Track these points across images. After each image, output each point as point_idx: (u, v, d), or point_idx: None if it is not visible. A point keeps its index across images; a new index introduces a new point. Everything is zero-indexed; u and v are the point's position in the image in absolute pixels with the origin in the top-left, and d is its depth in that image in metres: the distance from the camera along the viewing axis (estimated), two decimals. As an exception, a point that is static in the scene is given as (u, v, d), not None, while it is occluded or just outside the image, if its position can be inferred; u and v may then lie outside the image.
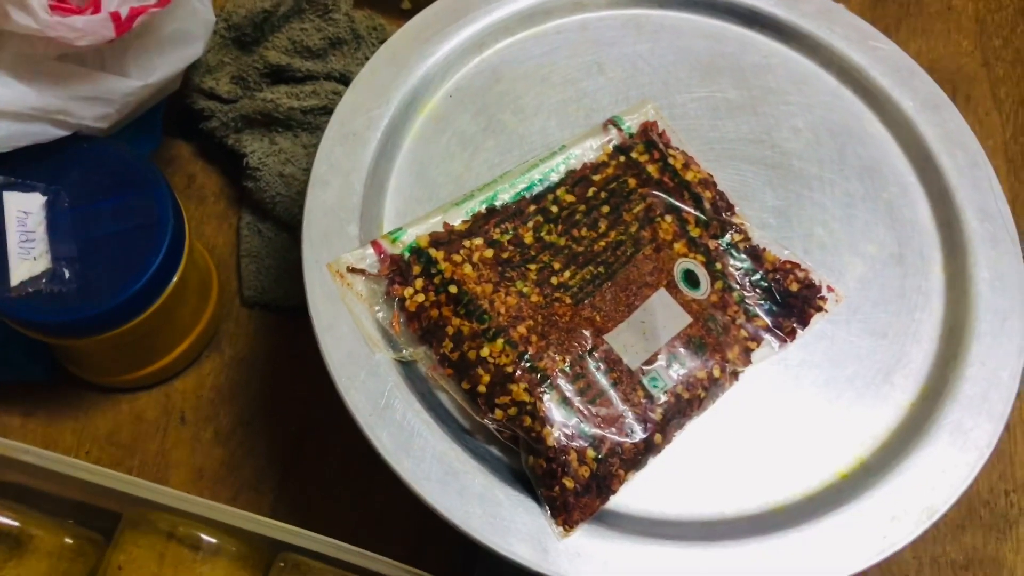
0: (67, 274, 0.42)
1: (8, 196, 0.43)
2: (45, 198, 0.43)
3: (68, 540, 0.41)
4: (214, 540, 0.40)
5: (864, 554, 0.36)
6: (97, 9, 0.40)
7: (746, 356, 0.39)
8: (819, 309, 0.41)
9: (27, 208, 0.43)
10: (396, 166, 0.43)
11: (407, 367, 0.39)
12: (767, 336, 0.40)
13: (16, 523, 0.39)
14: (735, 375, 0.39)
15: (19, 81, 0.41)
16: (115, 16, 0.40)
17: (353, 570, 0.39)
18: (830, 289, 0.41)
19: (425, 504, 0.36)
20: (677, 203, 0.41)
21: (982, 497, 0.50)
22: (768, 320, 0.40)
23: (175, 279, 0.44)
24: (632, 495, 0.37)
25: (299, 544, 0.39)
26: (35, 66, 0.41)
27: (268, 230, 0.53)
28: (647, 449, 0.37)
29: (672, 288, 0.39)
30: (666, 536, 0.36)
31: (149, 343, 0.47)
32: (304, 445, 0.49)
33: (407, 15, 0.49)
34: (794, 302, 0.41)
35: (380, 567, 0.39)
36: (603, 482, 0.36)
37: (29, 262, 0.42)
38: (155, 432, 0.49)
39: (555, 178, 0.42)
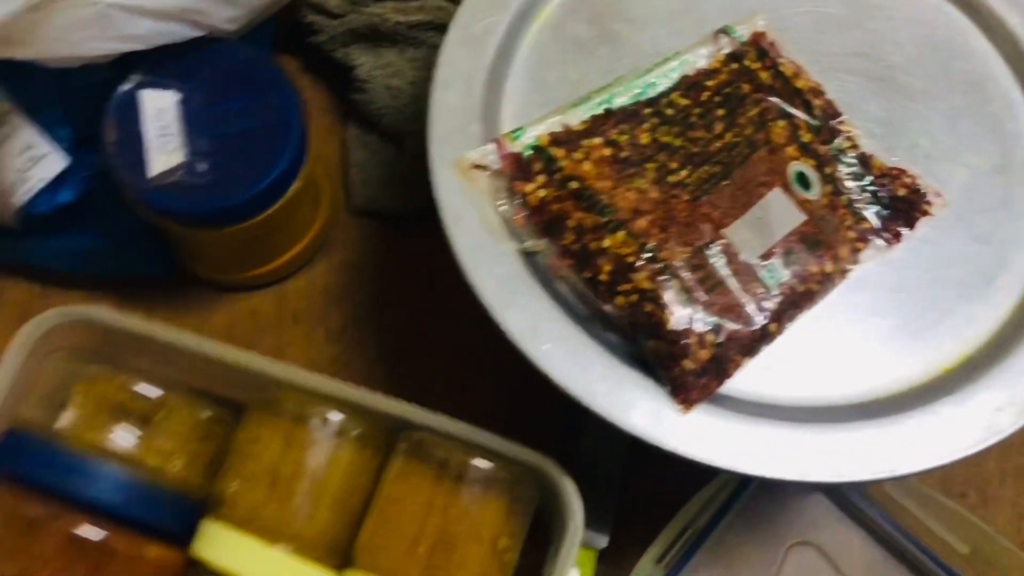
0: (201, 167, 0.44)
1: (146, 93, 0.45)
2: (180, 96, 0.45)
3: (206, 413, 0.43)
4: (339, 418, 0.43)
5: (968, 441, 0.38)
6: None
7: (854, 255, 0.41)
8: (925, 213, 0.42)
9: (163, 105, 0.45)
10: (513, 71, 0.45)
11: (529, 258, 0.41)
12: (874, 238, 0.41)
13: (160, 392, 0.42)
14: (844, 272, 0.41)
15: (160, -19, 0.43)
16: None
17: (473, 449, 0.41)
18: (936, 194, 0.42)
19: (551, 383, 0.38)
20: (789, 109, 0.42)
21: (1066, 413, 0.51)
22: (875, 223, 0.42)
23: (299, 177, 0.46)
24: (746, 380, 0.39)
25: (424, 422, 0.42)
26: (175, -33, 0.43)
27: (374, 142, 0.55)
28: (762, 337, 0.39)
29: (786, 188, 0.41)
30: (777, 418, 0.38)
31: (268, 242, 0.50)
32: (409, 344, 0.52)
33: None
34: (901, 206, 0.42)
35: (500, 446, 0.41)
36: (720, 365, 0.38)
37: (166, 155, 0.44)
38: (270, 329, 0.52)
39: (668, 83, 0.43)
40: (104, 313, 0.44)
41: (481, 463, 0.41)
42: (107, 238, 0.50)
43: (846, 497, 0.48)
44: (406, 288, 0.53)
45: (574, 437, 0.48)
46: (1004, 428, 0.38)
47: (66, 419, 0.41)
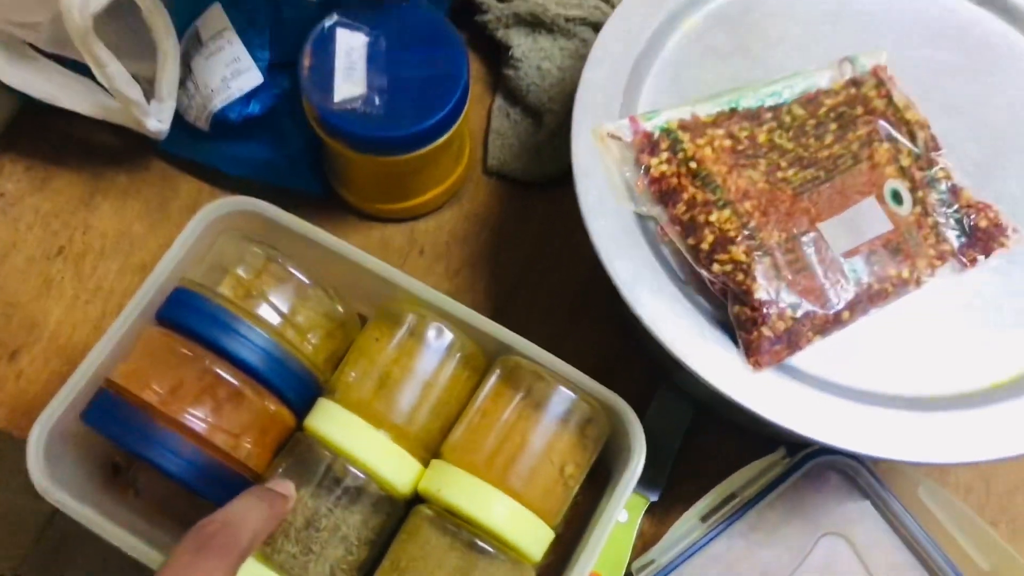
0: (377, 101, 0.51)
1: (340, 32, 0.53)
2: (368, 39, 0.52)
3: (338, 311, 0.50)
4: (451, 337, 0.49)
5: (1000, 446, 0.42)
6: None
7: (931, 270, 0.46)
8: (1002, 245, 0.47)
9: (353, 44, 0.52)
10: (655, 65, 0.51)
11: (641, 221, 0.47)
12: (951, 259, 0.46)
13: (307, 280, 0.49)
14: (919, 282, 0.45)
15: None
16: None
17: (559, 380, 0.47)
18: (1015, 231, 0.47)
19: (643, 326, 0.44)
20: (895, 134, 0.48)
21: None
22: (955, 245, 0.46)
23: (455, 126, 0.53)
24: (811, 358, 0.44)
25: (523, 349, 0.48)
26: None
27: (516, 114, 0.62)
28: (835, 321, 0.44)
29: (880, 200, 0.46)
30: (832, 393, 0.43)
31: (412, 180, 0.57)
32: (517, 292, 0.58)
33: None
34: (980, 236, 0.47)
35: (584, 381, 0.47)
36: (793, 338, 0.43)
37: (349, 85, 0.51)
38: (398, 258, 0.59)
39: (791, 95, 0.49)
40: (272, 209, 0.51)
41: (564, 391, 0.47)
42: (278, 153, 0.58)
43: (884, 500, 0.52)
44: (521, 244, 0.59)
45: (643, 407, 0.54)
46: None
47: (226, 286, 0.49)
